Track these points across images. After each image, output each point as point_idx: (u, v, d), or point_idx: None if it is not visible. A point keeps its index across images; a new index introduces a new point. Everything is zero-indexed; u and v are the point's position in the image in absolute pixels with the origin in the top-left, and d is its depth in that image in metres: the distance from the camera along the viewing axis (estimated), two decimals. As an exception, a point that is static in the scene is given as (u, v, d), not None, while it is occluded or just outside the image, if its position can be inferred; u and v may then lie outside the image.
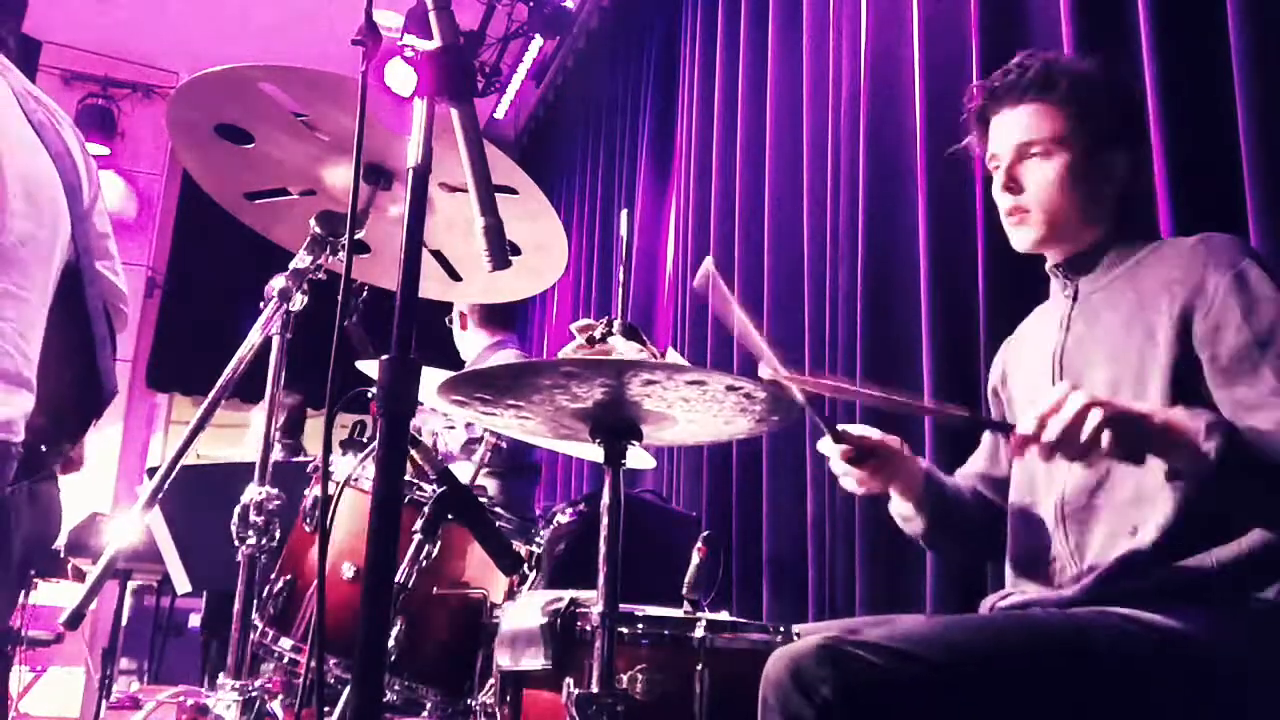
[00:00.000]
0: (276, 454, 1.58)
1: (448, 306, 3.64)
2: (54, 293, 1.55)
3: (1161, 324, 1.42)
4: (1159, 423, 1.25)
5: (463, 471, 2.20)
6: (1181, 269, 1.43)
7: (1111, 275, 1.55)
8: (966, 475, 1.78)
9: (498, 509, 2.01)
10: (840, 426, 1.61)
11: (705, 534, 1.72)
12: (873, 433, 1.62)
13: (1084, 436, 1.21)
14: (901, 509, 1.69)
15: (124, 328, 1.76)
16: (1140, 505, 1.40)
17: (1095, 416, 1.21)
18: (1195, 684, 1.28)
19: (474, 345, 3.64)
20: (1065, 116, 1.55)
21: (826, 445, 1.61)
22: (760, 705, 1.21)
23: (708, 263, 1.50)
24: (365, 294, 3.00)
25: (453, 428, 3.28)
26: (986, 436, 1.79)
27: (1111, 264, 1.56)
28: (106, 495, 6.52)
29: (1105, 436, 1.21)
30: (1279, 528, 1.31)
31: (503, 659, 1.55)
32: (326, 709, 1.59)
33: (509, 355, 3.54)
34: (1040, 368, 1.60)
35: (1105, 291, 1.55)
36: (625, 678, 1.35)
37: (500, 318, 3.68)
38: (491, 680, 1.67)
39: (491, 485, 3.31)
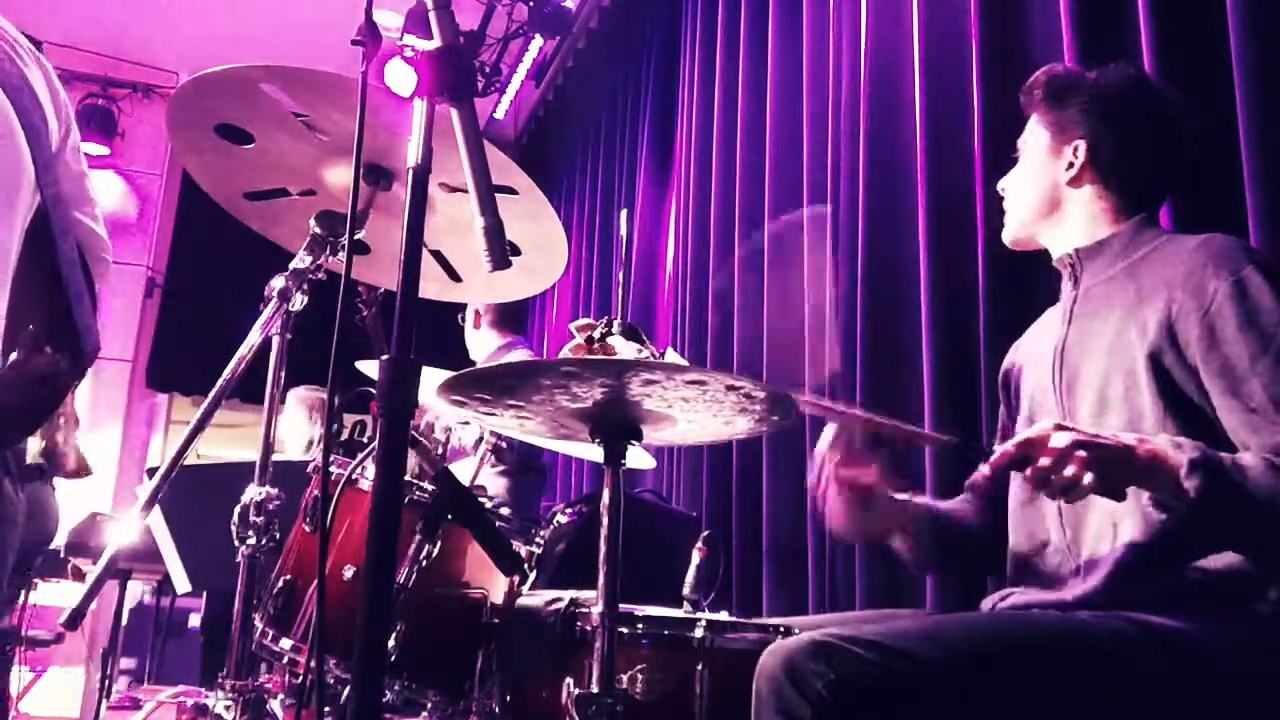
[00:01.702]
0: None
1: (454, 306, 3.65)
2: (20, 248, 1.42)
3: (1154, 323, 1.42)
4: (1143, 456, 1.25)
5: (463, 471, 2.20)
6: (1182, 269, 1.42)
7: (1114, 269, 1.55)
8: (977, 482, 1.77)
9: (500, 509, 2.01)
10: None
11: (705, 534, 1.72)
12: (869, 476, 1.61)
13: (1067, 477, 1.22)
14: (898, 545, 1.70)
15: (105, 277, 1.62)
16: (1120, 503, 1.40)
17: (1078, 460, 1.22)
18: (1196, 687, 1.28)
19: (485, 345, 3.65)
20: (1041, 122, 1.66)
21: (823, 442, 1.61)
22: (754, 699, 1.21)
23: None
24: (382, 291, 3.01)
25: (467, 423, 3.27)
26: (997, 439, 1.79)
27: (1114, 258, 1.56)
28: (106, 495, 6.52)
29: (1087, 479, 1.22)
30: (1254, 556, 1.32)
31: (503, 659, 1.55)
32: (326, 709, 1.59)
33: (521, 356, 3.55)
34: (1044, 361, 1.61)
35: (1106, 286, 1.55)
36: (625, 678, 1.35)
37: (512, 320, 3.70)
38: (491, 680, 1.67)
39: (500, 485, 3.32)
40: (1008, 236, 1.72)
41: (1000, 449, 1.28)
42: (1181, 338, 1.39)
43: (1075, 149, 1.60)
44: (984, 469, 1.29)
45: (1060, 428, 1.25)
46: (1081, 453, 1.22)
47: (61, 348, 1.50)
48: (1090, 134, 1.59)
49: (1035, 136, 1.67)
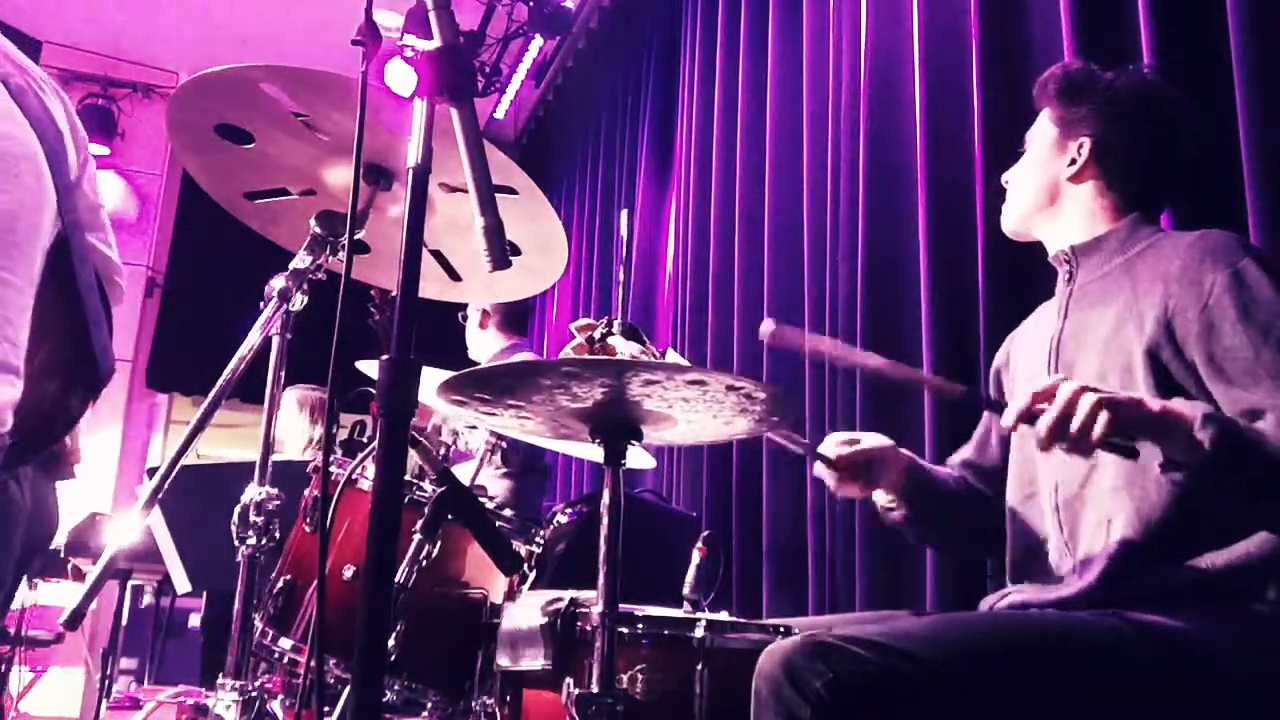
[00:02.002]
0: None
1: (454, 307, 3.64)
2: (41, 270, 1.47)
3: (1150, 318, 1.42)
4: (1156, 409, 1.24)
5: (463, 472, 2.20)
6: (1178, 263, 1.43)
7: (1110, 265, 1.56)
8: (954, 465, 1.79)
9: (504, 509, 2.01)
10: (822, 451, 1.66)
11: (705, 534, 1.72)
12: (856, 442, 1.65)
13: (1079, 421, 1.21)
14: (882, 499, 1.71)
15: (120, 302, 1.67)
16: (1118, 493, 1.40)
17: (1089, 400, 1.21)
18: (1194, 687, 1.28)
19: (490, 346, 3.64)
20: (1051, 117, 1.67)
21: (821, 470, 1.66)
22: (753, 699, 1.21)
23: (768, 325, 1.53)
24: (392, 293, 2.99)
25: (474, 427, 3.26)
26: (979, 427, 1.80)
27: (1110, 254, 1.57)
28: (106, 495, 6.52)
29: (1102, 419, 1.20)
30: (1268, 526, 1.31)
31: (503, 659, 1.55)
32: (326, 709, 1.59)
33: (526, 359, 3.54)
34: (1039, 355, 1.61)
35: (1102, 281, 1.56)
36: (625, 678, 1.35)
37: (519, 322, 3.69)
38: (491, 680, 1.67)
39: (504, 486, 3.31)
40: (1005, 226, 1.73)
41: (1012, 406, 1.27)
42: (1179, 333, 1.39)
43: (1080, 146, 1.61)
44: (1000, 426, 1.29)
45: (1067, 380, 1.25)
46: (1092, 395, 1.21)
47: (78, 371, 1.53)
48: (1097, 133, 1.60)
49: (1043, 130, 1.68)
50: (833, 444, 1.68)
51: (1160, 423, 1.24)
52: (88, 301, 1.52)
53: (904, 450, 1.70)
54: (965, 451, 1.79)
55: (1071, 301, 1.59)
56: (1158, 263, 1.47)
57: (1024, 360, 1.68)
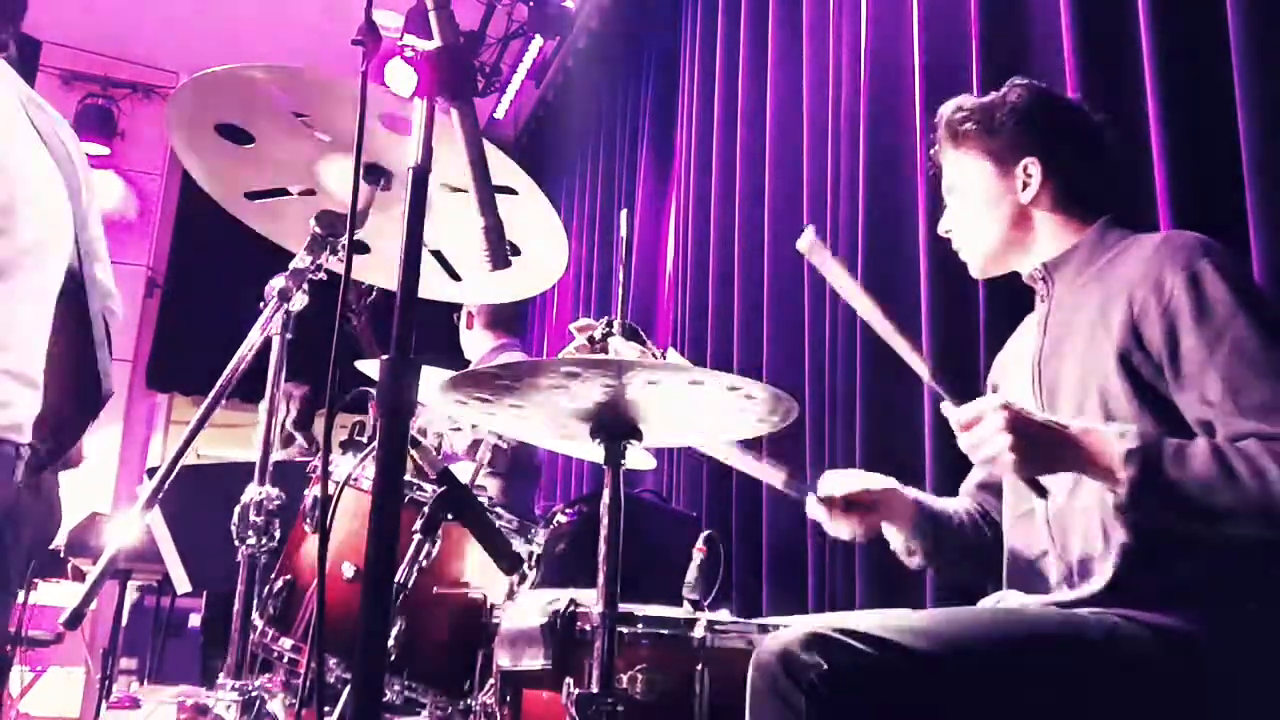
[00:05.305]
0: (293, 452, 1.61)
1: (454, 307, 3.64)
2: (57, 296, 1.58)
3: (1118, 323, 1.43)
4: (1071, 433, 1.29)
5: (463, 472, 2.20)
6: (1142, 268, 1.44)
7: (1085, 277, 1.56)
8: (968, 490, 1.78)
9: (499, 509, 2.01)
10: (822, 490, 1.68)
11: (705, 534, 1.73)
12: (854, 483, 1.67)
13: (988, 451, 1.29)
14: (898, 544, 1.72)
15: (115, 328, 1.80)
16: (1108, 506, 1.40)
17: (1003, 438, 1.27)
18: (1189, 682, 1.28)
19: (478, 346, 3.64)
20: (975, 155, 1.66)
21: (813, 508, 1.69)
22: (749, 690, 1.22)
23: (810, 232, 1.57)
24: (375, 295, 3.00)
25: (458, 429, 3.27)
26: None
27: (1082, 265, 1.57)
28: (106, 495, 6.52)
29: (1007, 453, 1.27)
30: (1194, 556, 1.32)
31: (503, 659, 1.55)
32: (326, 709, 1.59)
33: (513, 358, 3.53)
34: (1023, 374, 1.61)
35: (1077, 294, 1.56)
36: (625, 678, 1.36)
37: (505, 321, 3.67)
38: (491, 680, 1.67)
39: (493, 486, 3.31)
40: (975, 272, 1.72)
41: (954, 422, 1.35)
42: (1145, 335, 1.40)
43: (1025, 168, 1.60)
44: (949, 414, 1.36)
45: (1005, 406, 1.30)
46: (1005, 429, 1.27)
47: (84, 390, 1.65)
48: (1039, 149, 1.60)
49: (972, 170, 1.66)
50: (830, 481, 1.70)
51: (1088, 457, 1.29)
52: (95, 327, 1.63)
53: (908, 489, 1.70)
54: (977, 474, 1.78)
55: (1050, 317, 1.59)
56: (1126, 269, 1.48)
57: (1012, 380, 1.68)
